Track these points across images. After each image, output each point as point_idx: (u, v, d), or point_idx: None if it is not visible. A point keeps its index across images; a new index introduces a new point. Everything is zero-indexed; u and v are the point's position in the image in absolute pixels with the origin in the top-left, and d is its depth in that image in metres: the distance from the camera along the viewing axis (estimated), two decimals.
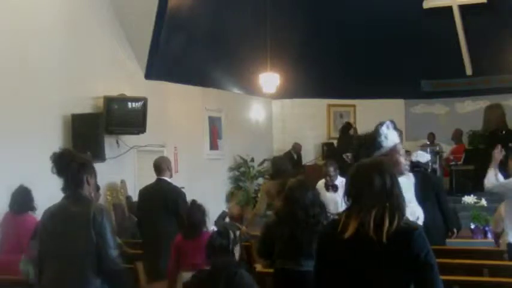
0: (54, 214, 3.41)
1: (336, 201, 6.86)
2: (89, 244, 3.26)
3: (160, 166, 6.07)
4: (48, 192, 3.43)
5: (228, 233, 3.76)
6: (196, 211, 5.09)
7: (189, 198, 6.11)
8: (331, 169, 7.30)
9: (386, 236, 2.38)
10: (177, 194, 5.95)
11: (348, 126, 12.69)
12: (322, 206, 4.48)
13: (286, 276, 4.33)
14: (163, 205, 5.87)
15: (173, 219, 5.80)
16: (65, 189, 3.37)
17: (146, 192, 6.17)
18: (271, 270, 4.50)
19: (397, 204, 2.45)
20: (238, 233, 3.83)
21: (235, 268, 3.63)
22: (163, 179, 6.02)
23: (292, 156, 12.76)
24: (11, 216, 5.96)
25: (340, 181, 7.12)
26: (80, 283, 3.29)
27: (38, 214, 5.58)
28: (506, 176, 5.62)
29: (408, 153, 10.07)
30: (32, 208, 5.91)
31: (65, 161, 3.35)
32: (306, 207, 4.31)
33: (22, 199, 5.94)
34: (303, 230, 4.24)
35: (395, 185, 2.48)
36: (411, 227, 2.45)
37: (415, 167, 6.57)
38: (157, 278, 5.68)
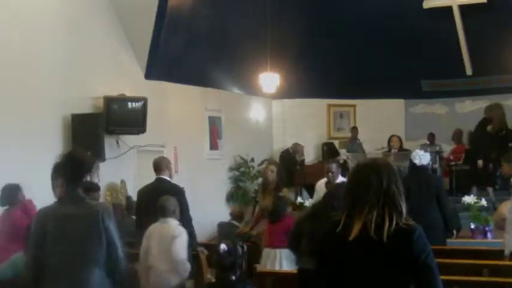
0: (55, 215, 3.36)
1: None
2: (96, 245, 3.25)
3: (159, 165, 6.05)
4: (48, 192, 3.43)
5: (236, 249, 3.80)
6: (280, 201, 6.47)
7: (189, 199, 6.11)
8: (334, 166, 7.14)
9: (387, 236, 2.38)
10: (177, 191, 5.91)
11: (486, 122, 11.83)
12: None
13: (307, 277, 4.20)
14: None
15: None
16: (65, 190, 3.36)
17: (147, 191, 6.14)
18: (270, 271, 4.48)
19: (393, 203, 2.44)
20: (245, 247, 3.87)
21: (242, 284, 3.69)
22: (162, 177, 6.01)
23: (291, 157, 12.71)
24: (2, 211, 5.98)
25: (342, 181, 7.05)
26: (85, 285, 3.28)
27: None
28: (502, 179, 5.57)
29: (408, 153, 10.13)
30: (19, 200, 5.90)
31: (64, 161, 3.35)
32: (340, 208, 4.20)
33: (11, 192, 5.92)
34: None
35: (393, 184, 2.47)
36: (411, 227, 2.44)
37: (415, 168, 6.57)
38: None
